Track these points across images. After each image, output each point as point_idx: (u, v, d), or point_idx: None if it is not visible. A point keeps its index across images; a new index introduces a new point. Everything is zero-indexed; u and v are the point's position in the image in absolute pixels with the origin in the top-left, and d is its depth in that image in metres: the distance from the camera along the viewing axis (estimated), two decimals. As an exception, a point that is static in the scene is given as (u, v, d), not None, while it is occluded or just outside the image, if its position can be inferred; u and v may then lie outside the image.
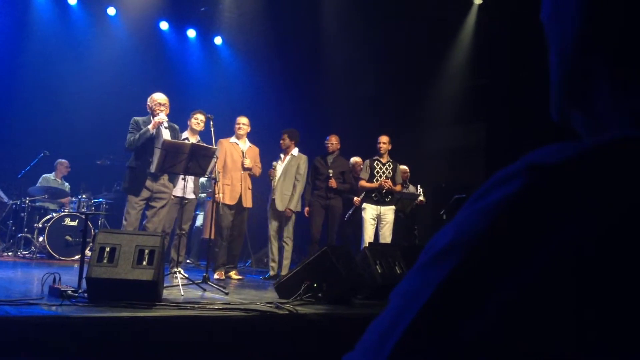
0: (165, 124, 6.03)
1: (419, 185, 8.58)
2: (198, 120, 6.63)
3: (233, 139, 7.02)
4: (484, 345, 0.40)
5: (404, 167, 8.02)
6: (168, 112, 6.10)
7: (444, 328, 0.42)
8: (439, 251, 0.45)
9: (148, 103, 6.13)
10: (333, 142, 7.68)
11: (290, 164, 7.24)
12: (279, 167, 7.28)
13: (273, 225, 7.26)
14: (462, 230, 0.45)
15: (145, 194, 5.86)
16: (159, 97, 6.10)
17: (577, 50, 0.54)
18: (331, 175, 7.42)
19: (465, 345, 0.41)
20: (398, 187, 7.47)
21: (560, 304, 0.40)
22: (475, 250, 0.43)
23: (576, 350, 0.39)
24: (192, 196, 6.56)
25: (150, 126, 5.88)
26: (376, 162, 7.45)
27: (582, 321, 0.39)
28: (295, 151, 7.31)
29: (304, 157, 7.33)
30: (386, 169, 7.41)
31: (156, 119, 5.92)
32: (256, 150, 7.14)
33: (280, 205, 7.14)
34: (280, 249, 7.21)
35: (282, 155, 7.35)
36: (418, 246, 8.12)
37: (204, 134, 6.36)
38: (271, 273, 7.18)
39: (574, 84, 0.56)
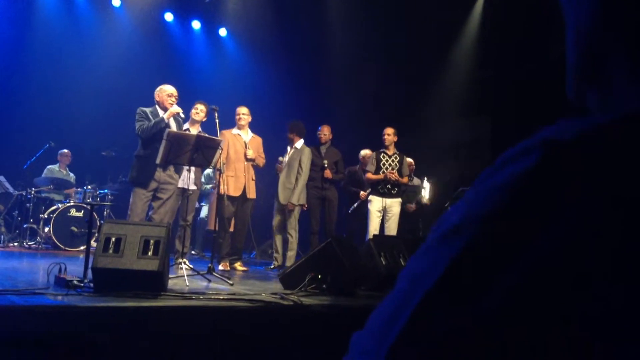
0: (182, 115, 6.07)
1: (425, 178, 8.55)
2: (198, 110, 6.55)
3: (235, 130, 7.00)
4: (496, 324, 0.40)
5: (409, 159, 8.02)
6: (194, 106, 6.18)
7: (454, 307, 0.41)
8: (449, 229, 0.44)
9: (157, 94, 6.13)
10: (325, 132, 7.67)
11: (292, 157, 7.23)
12: (285, 160, 7.30)
13: (276, 218, 7.28)
14: (473, 208, 0.44)
15: (152, 185, 5.87)
16: (169, 89, 6.12)
17: (595, 29, 0.53)
18: (326, 165, 7.43)
19: (477, 324, 0.40)
20: (404, 180, 7.45)
21: (576, 280, 0.40)
22: (486, 227, 0.42)
23: (588, 326, 0.39)
24: (193, 187, 6.56)
25: (165, 115, 5.90)
26: (382, 154, 7.44)
27: (599, 298, 0.39)
28: (299, 143, 7.28)
29: (306, 150, 7.29)
30: (392, 161, 7.39)
31: (172, 109, 5.94)
32: (259, 140, 7.13)
33: (282, 198, 7.16)
34: (285, 241, 7.23)
35: (288, 148, 7.36)
36: (422, 238, 8.12)
37: (210, 126, 6.36)
38: (275, 264, 7.22)
39: (591, 62, 0.55)
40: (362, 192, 7.71)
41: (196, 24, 11.53)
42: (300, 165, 7.18)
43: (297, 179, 7.16)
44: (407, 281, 0.46)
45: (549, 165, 0.42)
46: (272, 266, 7.24)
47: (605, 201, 0.40)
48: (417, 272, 0.45)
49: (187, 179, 6.37)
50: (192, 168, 6.19)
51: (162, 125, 5.83)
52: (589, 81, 0.56)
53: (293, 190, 7.14)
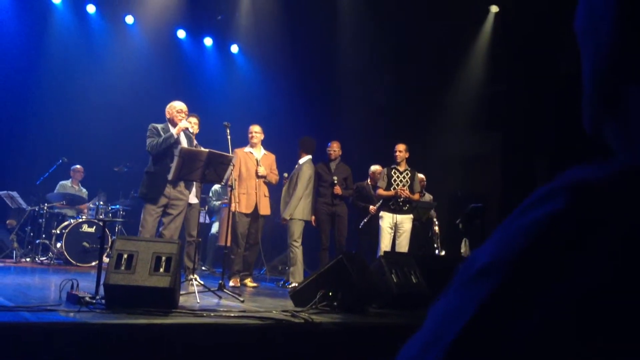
0: (191, 129, 6.11)
1: (432, 202, 8.53)
2: (192, 123, 6.48)
3: (247, 148, 7.04)
4: None
5: (421, 175, 8.00)
6: (187, 119, 6.18)
7: (486, 349, 0.41)
8: (479, 270, 0.45)
9: (167, 110, 6.19)
10: (335, 148, 7.66)
11: (293, 173, 7.27)
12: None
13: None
14: (502, 248, 0.44)
15: (162, 200, 5.89)
16: (179, 105, 6.17)
17: (612, 62, 0.53)
18: (336, 182, 7.43)
19: None
20: (416, 196, 7.42)
21: (601, 323, 0.40)
22: (516, 269, 0.43)
23: None
24: (195, 200, 6.57)
25: (174, 131, 5.94)
26: (394, 170, 7.42)
27: (621, 344, 0.39)
28: (303, 159, 7.27)
29: (305, 167, 7.21)
30: (404, 177, 7.37)
31: (181, 124, 5.99)
32: (272, 157, 7.16)
33: (282, 212, 7.20)
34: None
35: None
36: (434, 256, 8.07)
37: (221, 142, 6.38)
38: (285, 279, 7.25)
39: (608, 94, 0.55)
40: (371, 207, 7.68)
41: (208, 41, 11.63)
42: (297, 180, 7.17)
43: (292, 194, 7.17)
44: (438, 319, 0.46)
45: (575, 208, 0.43)
46: (282, 282, 7.26)
47: (632, 245, 0.40)
48: (448, 311, 0.45)
49: (190, 192, 6.40)
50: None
51: (172, 140, 5.88)
52: (605, 112, 0.56)
53: (288, 205, 7.14)
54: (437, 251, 8.29)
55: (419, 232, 8.17)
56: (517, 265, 0.43)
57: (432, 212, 8.45)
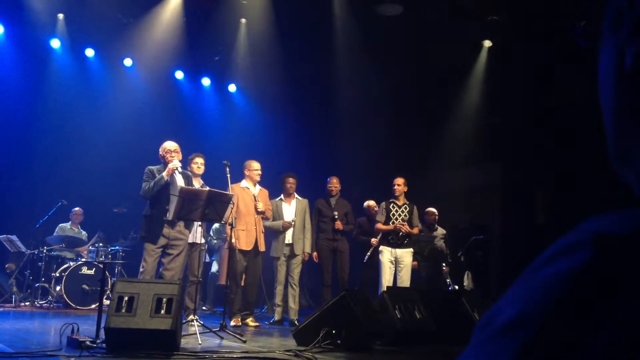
0: (180, 169, 6.07)
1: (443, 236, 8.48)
2: (198, 164, 6.60)
3: (244, 184, 7.03)
4: None
5: (432, 209, 8.02)
6: (180, 157, 6.14)
7: None
8: (506, 323, 0.44)
9: (160, 152, 6.18)
10: (335, 184, 7.73)
11: (299, 208, 7.30)
12: (286, 211, 7.28)
13: (282, 271, 7.22)
14: (530, 301, 0.44)
15: (162, 241, 5.85)
16: (169, 145, 6.15)
17: (620, 120, 0.53)
18: (336, 217, 7.44)
19: None
20: (415, 230, 7.39)
21: None
22: (546, 322, 0.42)
23: None
24: (202, 240, 6.57)
25: (164, 173, 5.90)
26: (392, 204, 7.40)
27: None
28: (297, 195, 7.41)
29: (307, 200, 7.43)
30: (402, 211, 7.35)
31: (170, 165, 5.94)
32: (266, 193, 7.17)
33: (298, 250, 7.15)
34: (289, 294, 7.20)
35: (282, 198, 7.36)
36: (438, 290, 7.95)
37: (220, 180, 6.38)
38: (276, 318, 7.18)
39: (620, 144, 0.54)
40: (373, 239, 7.65)
41: (206, 81, 11.76)
42: (306, 215, 7.31)
43: (307, 230, 7.26)
44: None
45: (604, 260, 0.42)
46: (273, 320, 7.17)
47: None
48: None
49: (196, 232, 6.38)
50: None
51: (162, 183, 5.82)
52: (621, 160, 0.55)
53: (305, 241, 7.17)
54: (449, 287, 8.14)
55: (430, 267, 8.13)
56: (548, 318, 0.42)
57: (443, 245, 8.39)
